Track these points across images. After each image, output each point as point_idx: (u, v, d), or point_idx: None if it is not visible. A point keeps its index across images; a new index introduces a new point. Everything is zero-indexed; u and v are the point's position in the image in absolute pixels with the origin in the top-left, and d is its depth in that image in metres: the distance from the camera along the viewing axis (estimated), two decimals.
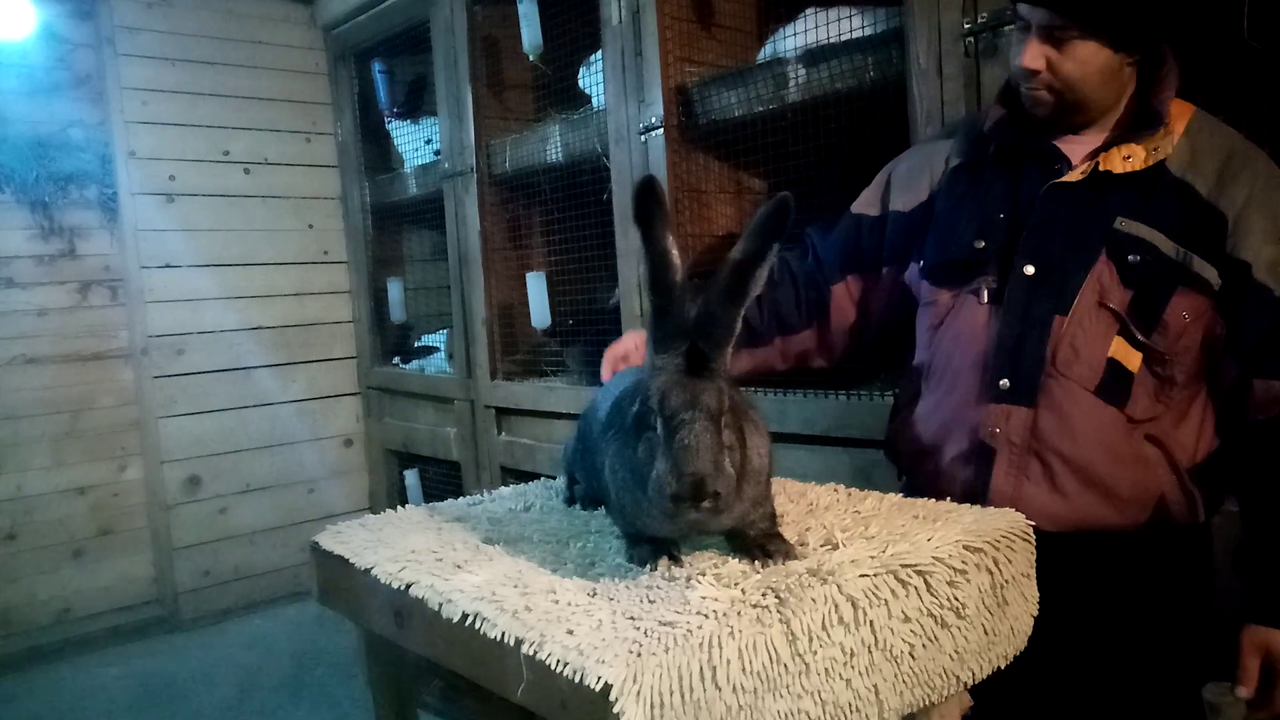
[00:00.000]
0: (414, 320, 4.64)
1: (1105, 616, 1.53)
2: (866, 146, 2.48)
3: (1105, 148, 1.53)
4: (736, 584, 1.09)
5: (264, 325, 4.42)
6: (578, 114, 3.34)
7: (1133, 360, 1.49)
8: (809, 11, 2.60)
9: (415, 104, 4.38)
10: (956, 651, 1.20)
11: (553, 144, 3.40)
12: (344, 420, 4.70)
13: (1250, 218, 1.45)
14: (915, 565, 1.16)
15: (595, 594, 1.09)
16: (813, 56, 2.54)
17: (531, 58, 3.40)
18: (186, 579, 4.24)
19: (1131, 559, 1.53)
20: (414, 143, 4.27)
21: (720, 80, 2.82)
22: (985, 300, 1.59)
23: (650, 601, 1.06)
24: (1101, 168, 1.52)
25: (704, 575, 1.13)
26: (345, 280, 4.69)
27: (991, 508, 1.38)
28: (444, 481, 4.27)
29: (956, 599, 1.19)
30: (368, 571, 1.31)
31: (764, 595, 1.05)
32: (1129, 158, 1.51)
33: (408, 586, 1.22)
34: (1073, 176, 1.54)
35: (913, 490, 1.60)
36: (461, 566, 1.24)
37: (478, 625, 1.06)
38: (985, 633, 1.23)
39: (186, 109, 4.21)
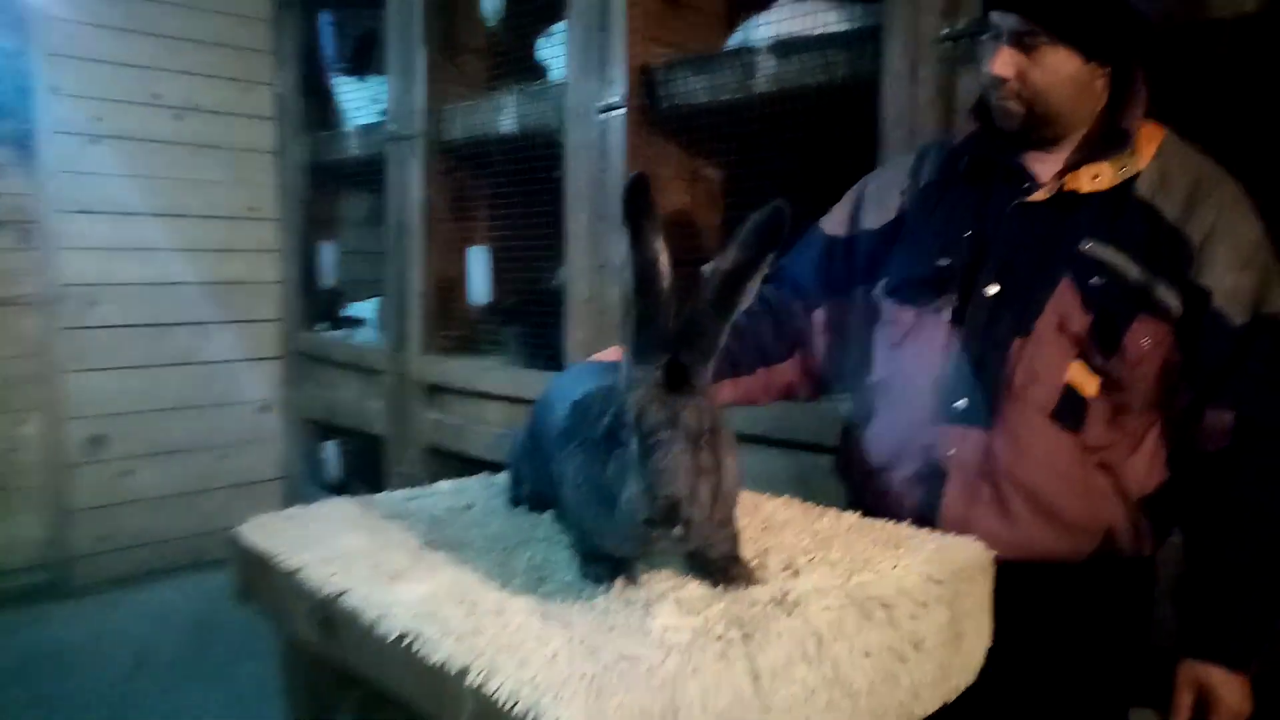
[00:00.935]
0: (344, 286, 4.47)
1: (1044, 647, 1.50)
2: (833, 145, 2.43)
3: (1073, 167, 1.51)
4: (699, 612, 1.02)
5: (185, 281, 4.19)
6: (535, 86, 3.22)
7: (1089, 386, 1.47)
8: (783, 1, 2.53)
9: (363, 60, 4.19)
10: (912, 686, 1.14)
11: (507, 114, 3.28)
12: (263, 385, 4.50)
13: (1214, 244, 1.43)
14: (879, 597, 1.10)
15: (548, 617, 1.01)
16: (784, 48, 2.47)
17: (490, 23, 3.26)
18: (83, 543, 4.02)
19: (1074, 590, 1.51)
20: (359, 101, 4.09)
21: (687, 63, 2.73)
22: (947, 320, 1.55)
23: (608, 629, 0.98)
24: (1068, 187, 1.49)
25: (664, 600, 1.05)
26: (274, 239, 4.48)
27: (952, 536, 1.33)
28: (365, 456, 4.13)
29: (917, 633, 1.14)
30: (294, 573, 1.20)
31: (728, 627, 0.98)
32: (1096, 177, 1.49)
33: (339, 595, 1.11)
34: (1039, 196, 1.51)
35: (860, 509, 1.56)
36: (400, 575, 1.14)
37: (418, 647, 0.97)
38: (940, 666, 1.18)
39: (115, 46, 3.95)
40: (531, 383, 3.18)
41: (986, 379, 1.48)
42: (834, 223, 1.76)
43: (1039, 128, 1.52)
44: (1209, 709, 1.40)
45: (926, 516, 1.48)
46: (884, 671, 1.09)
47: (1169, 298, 1.44)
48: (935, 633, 1.16)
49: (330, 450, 4.27)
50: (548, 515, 1.40)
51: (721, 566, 1.12)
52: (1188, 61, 1.79)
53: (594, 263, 2.94)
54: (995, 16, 1.47)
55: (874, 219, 1.69)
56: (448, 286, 3.71)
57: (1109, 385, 1.46)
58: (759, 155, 2.71)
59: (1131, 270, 1.44)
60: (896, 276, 1.62)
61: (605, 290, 2.91)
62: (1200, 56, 1.80)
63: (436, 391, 3.64)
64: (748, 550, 1.21)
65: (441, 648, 0.94)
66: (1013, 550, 1.37)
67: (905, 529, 1.36)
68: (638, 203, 1.02)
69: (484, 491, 1.56)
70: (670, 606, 1.03)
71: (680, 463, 0.94)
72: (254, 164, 4.39)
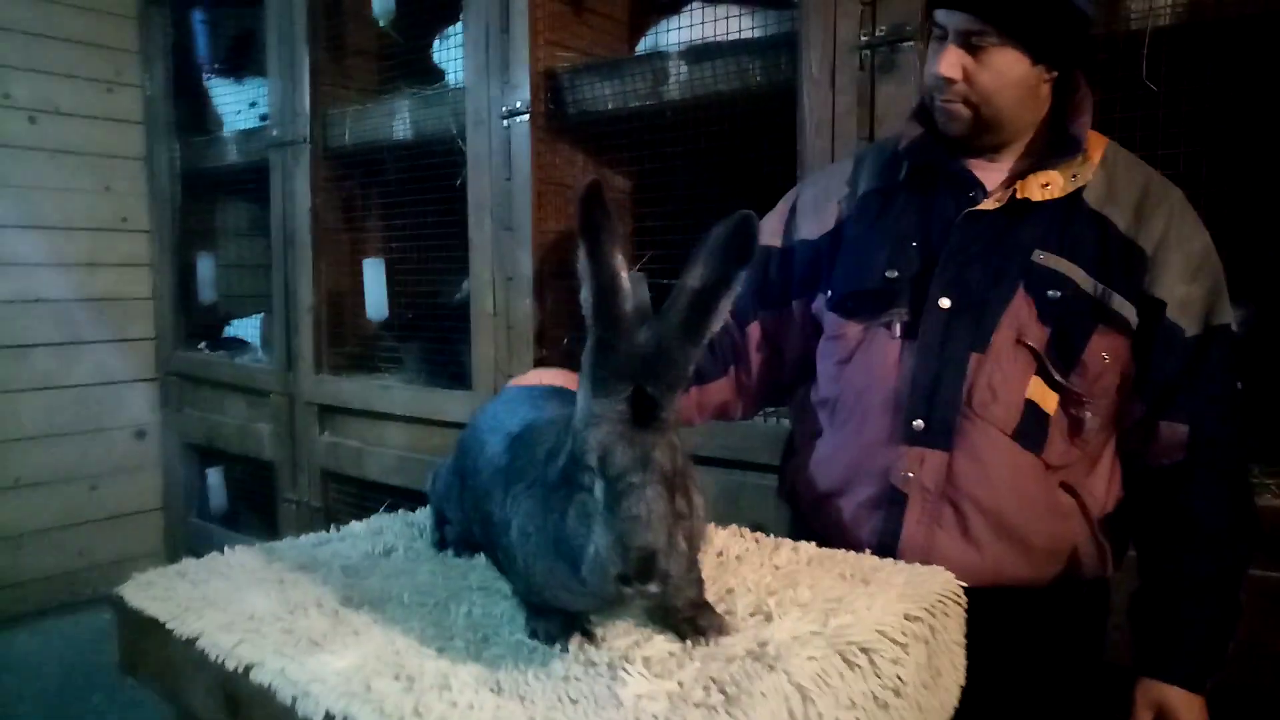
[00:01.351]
0: (225, 302, 4.19)
1: (1007, 675, 1.44)
2: (749, 153, 2.37)
3: (1021, 174, 1.46)
4: (671, 674, 0.91)
5: (46, 298, 3.84)
6: (431, 90, 3.06)
7: (1049, 402, 1.42)
8: (694, 5, 2.45)
9: (240, 61, 3.94)
10: None
11: (401, 120, 3.11)
12: (137, 409, 4.17)
13: (1166, 254, 1.41)
14: (860, 643, 1.01)
15: (500, 690, 0.88)
16: (697, 53, 2.39)
17: (381, 24, 3.09)
18: None
19: (1037, 616, 1.46)
20: (237, 104, 3.84)
21: (594, 68, 2.63)
22: (898, 334, 1.48)
23: (572, 701, 0.86)
24: (1019, 195, 1.44)
25: (629, 661, 0.94)
26: (146, 252, 4.17)
27: (921, 566, 1.26)
28: (252, 483, 3.87)
29: (899, 677, 1.06)
30: (191, 643, 1.04)
31: (707, 691, 0.88)
32: (1047, 185, 1.44)
33: (247, 669, 0.97)
34: (989, 204, 1.46)
35: (809, 535, 1.48)
36: (320, 642, 0.99)
37: None
38: (920, 709, 1.11)
39: None
40: (434, 402, 3.03)
41: (944, 397, 1.42)
42: (768, 233, 1.67)
43: (984, 133, 1.47)
44: None
45: (886, 543, 1.42)
46: None
47: (1125, 310, 1.40)
48: (914, 674, 1.09)
49: (214, 477, 3.99)
50: (480, 560, 1.27)
51: (688, 616, 1.01)
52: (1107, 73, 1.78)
53: (500, 275, 2.81)
54: (941, 15, 1.41)
55: (811, 229, 1.61)
56: (339, 301, 3.51)
57: (1068, 401, 1.42)
58: (670, 164, 2.63)
59: (1086, 282, 1.41)
60: (840, 290, 1.55)
61: (513, 303, 2.78)
62: (1119, 68, 1.79)
63: (330, 413, 3.43)
64: (709, 591, 1.11)
65: None
66: (977, 576, 1.31)
67: (869, 560, 1.28)
68: (593, 212, 0.91)
69: (403, 533, 1.42)
70: (638, 669, 0.92)
71: (655, 510, 0.83)
72: (122, 171, 4.07)
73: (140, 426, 4.18)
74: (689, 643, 0.99)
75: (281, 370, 3.56)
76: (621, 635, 1.02)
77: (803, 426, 1.64)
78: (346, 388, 3.34)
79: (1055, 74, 1.45)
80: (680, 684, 0.89)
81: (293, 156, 3.43)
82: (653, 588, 0.82)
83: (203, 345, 4.07)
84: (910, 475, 1.42)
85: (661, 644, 0.99)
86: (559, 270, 2.79)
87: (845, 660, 0.99)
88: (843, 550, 1.33)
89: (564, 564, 0.90)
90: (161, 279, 4.16)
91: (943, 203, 1.51)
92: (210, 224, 4.22)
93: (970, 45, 1.39)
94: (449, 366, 3.10)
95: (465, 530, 1.29)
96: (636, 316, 0.90)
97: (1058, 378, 1.41)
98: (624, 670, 0.91)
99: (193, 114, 4.09)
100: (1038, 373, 1.41)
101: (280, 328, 3.55)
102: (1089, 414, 1.42)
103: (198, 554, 1.29)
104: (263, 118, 3.67)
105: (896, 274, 1.49)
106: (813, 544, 1.36)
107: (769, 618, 1.06)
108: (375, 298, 3.25)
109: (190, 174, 4.08)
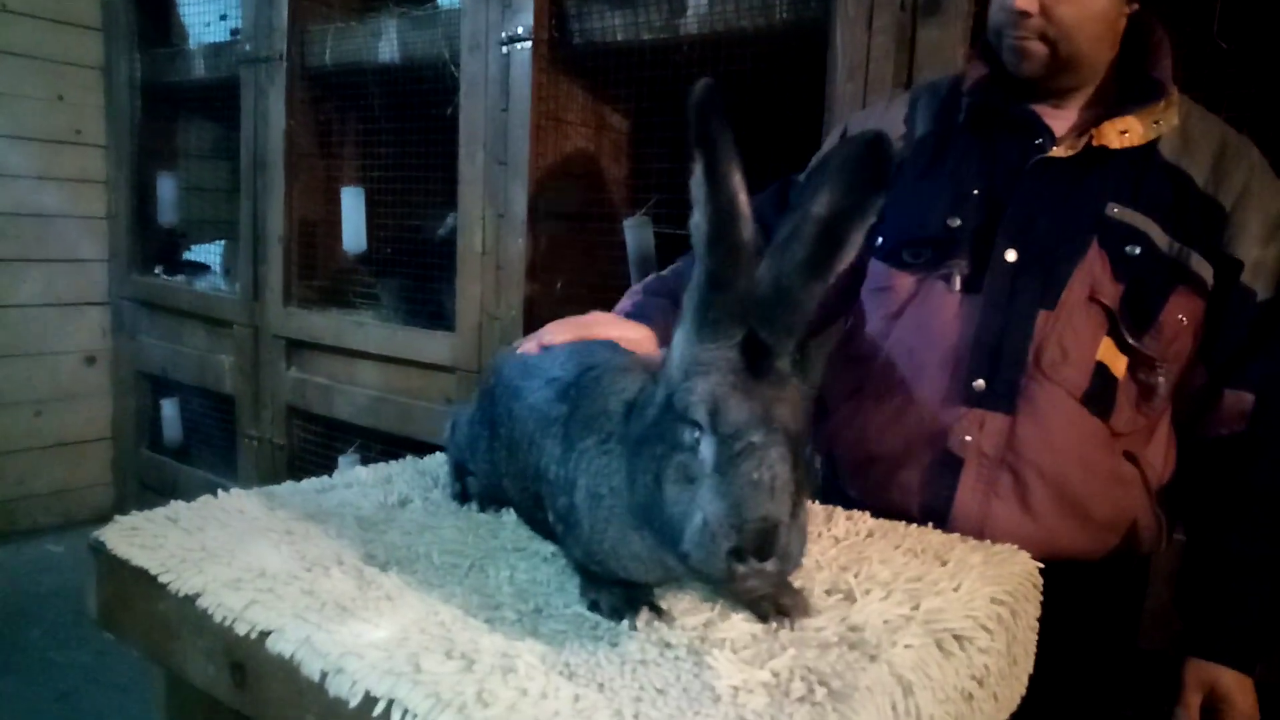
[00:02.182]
0: (184, 226, 3.95)
1: (1058, 653, 1.37)
2: (772, 95, 2.23)
3: (1095, 121, 1.35)
4: (762, 662, 0.80)
5: None
6: (422, 10, 2.86)
7: (1119, 365, 1.33)
8: None
9: None
10: None
11: (387, 40, 2.91)
12: (87, 334, 3.94)
13: (1245, 213, 1.33)
14: (955, 629, 0.92)
15: (572, 673, 0.76)
16: None
17: None
18: None
19: (1091, 590, 1.38)
20: (205, 16, 3.59)
21: None
22: (957, 288, 1.37)
23: (659, 691, 0.74)
24: (1096, 142, 1.34)
25: (707, 643, 0.82)
26: (101, 168, 3.90)
27: (995, 544, 1.17)
28: (210, 416, 3.69)
29: (986, 666, 0.96)
30: (190, 600, 0.91)
31: (807, 684, 0.77)
32: (1125, 132, 1.34)
33: (263, 635, 0.83)
34: (1060, 151, 1.36)
35: (845, 500, 1.38)
36: (349, 609, 0.86)
37: (397, 717, 0.71)
38: (995, 700, 1.02)
39: None
40: (412, 341, 2.87)
41: (1009, 356, 1.32)
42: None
43: (1059, 73, 1.36)
44: (1219, 713, 1.30)
45: (936, 510, 1.33)
46: (954, 718, 0.90)
47: (1203, 270, 1.32)
48: (995, 662, 0.99)
49: (169, 408, 3.78)
50: (508, 517, 1.15)
51: (767, 593, 0.90)
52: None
53: (492, 210, 2.65)
54: None
55: None
56: (311, 231, 3.31)
57: (1137, 364, 1.33)
58: (677, 103, 2.47)
59: (1161, 239, 1.32)
60: (894, 237, 1.43)
61: (504, 241, 2.63)
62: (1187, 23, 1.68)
63: (298, 347, 3.26)
64: None
65: None
66: (1034, 549, 1.22)
67: (934, 535, 1.19)
68: (710, 121, 0.77)
69: (416, 481, 1.29)
70: (726, 655, 0.80)
71: (779, 474, 0.71)
72: (76, 80, 3.80)
73: (90, 352, 3.95)
74: (773, 624, 0.88)
75: (247, 300, 3.36)
76: (691, 612, 0.90)
77: (839, 384, 1.53)
78: (317, 322, 3.16)
79: (1135, 7, 1.35)
80: (775, 674, 0.78)
81: (266, 74, 3.21)
82: (770, 566, 0.70)
83: (159, 269, 3.84)
84: (968, 439, 1.33)
85: (741, 625, 0.88)
86: (553, 209, 2.64)
87: (941, 649, 0.89)
88: (901, 522, 1.23)
89: (649, 533, 0.78)
90: (117, 197, 3.91)
91: (1006, 149, 1.40)
92: (171, 143, 3.96)
93: None
94: (428, 305, 2.94)
95: (492, 484, 1.16)
96: (752, 249, 0.77)
97: (1130, 340, 1.31)
98: (708, 655, 0.80)
99: (155, 23, 3.81)
100: (1109, 333, 1.32)
101: (247, 256, 3.35)
102: (1160, 379, 1.34)
103: (149, 487, 1.15)
104: (234, 32, 3.42)
105: (959, 222, 1.38)
106: (867, 514, 1.26)
107: (849, 597, 0.95)
108: (353, 229, 3.06)
109: (151, 87, 3.81)
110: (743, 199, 0.77)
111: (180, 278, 3.77)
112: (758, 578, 0.70)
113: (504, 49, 2.58)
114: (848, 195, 0.77)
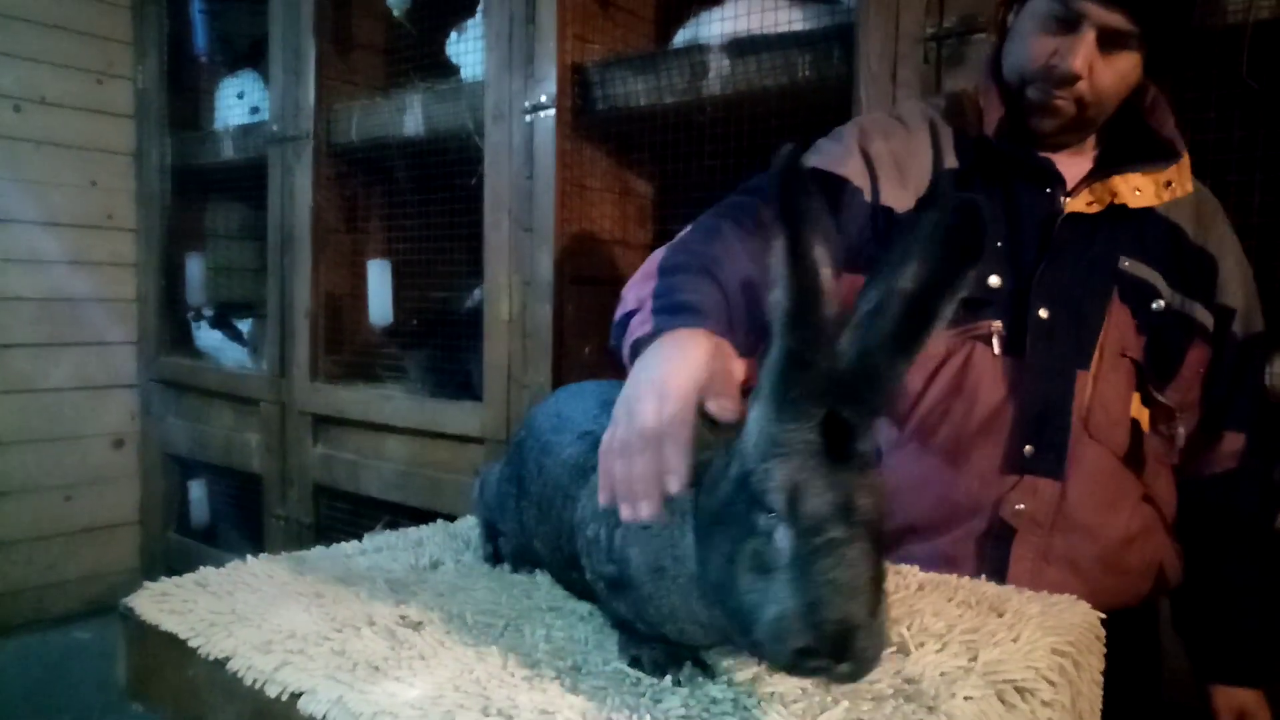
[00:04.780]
0: (212, 306, 3.99)
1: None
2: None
3: (1103, 175, 1.34)
4: (814, 717, 0.75)
5: (25, 296, 3.62)
6: (446, 84, 2.91)
7: (1143, 419, 1.33)
8: None
9: (239, 55, 3.78)
10: None
11: (412, 115, 2.95)
12: (116, 417, 3.94)
13: (1227, 261, 1.38)
14: (1017, 681, 0.86)
15: None
16: (740, 46, 2.26)
17: (396, 13, 2.95)
18: None
19: (1128, 636, 1.33)
20: (233, 99, 3.68)
21: (627, 62, 2.49)
22: (997, 350, 1.33)
23: None
24: (1117, 201, 1.33)
25: (755, 698, 0.78)
26: (131, 252, 3.96)
27: (1052, 594, 1.12)
28: (238, 497, 3.66)
29: (1050, 719, 0.90)
30: (220, 664, 0.87)
31: None
32: (1138, 191, 1.34)
33: (294, 696, 0.80)
34: (1081, 205, 1.33)
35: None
36: (381, 668, 0.82)
37: None
38: None
39: None
40: (439, 412, 2.85)
41: (1055, 420, 1.28)
42: (853, 170, 1.39)
43: (1074, 130, 1.36)
44: None
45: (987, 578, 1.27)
46: None
47: (1206, 319, 1.35)
48: (1060, 716, 0.93)
49: (196, 490, 3.77)
50: (542, 578, 1.11)
51: None
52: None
53: (519, 278, 2.65)
54: (1086, 7, 1.25)
55: (895, 195, 1.37)
56: (338, 305, 3.33)
57: (1158, 417, 1.34)
58: (702, 164, 2.48)
59: (1165, 291, 1.33)
60: None
61: (531, 309, 2.62)
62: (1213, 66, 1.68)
63: (325, 423, 3.24)
64: None
65: None
66: None
67: (988, 586, 1.14)
68: (795, 192, 0.73)
69: (446, 543, 1.25)
70: (775, 709, 0.75)
71: (860, 573, 0.67)
72: (109, 166, 3.87)
73: (119, 435, 3.96)
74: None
75: (273, 378, 3.37)
76: (738, 667, 0.86)
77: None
78: (344, 396, 3.16)
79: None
80: None
81: (294, 153, 3.26)
82: (844, 669, 0.66)
83: (201, 322, 3.82)
84: (1022, 507, 1.28)
85: (790, 679, 0.83)
86: (579, 274, 2.64)
87: (1003, 700, 0.84)
88: (953, 574, 1.18)
89: (720, 611, 0.74)
90: (146, 280, 3.95)
91: (1025, 198, 1.37)
92: (200, 224, 4.02)
93: (1107, 43, 1.26)
94: (456, 377, 2.92)
95: (522, 544, 1.12)
96: (836, 326, 0.73)
97: (1154, 393, 1.31)
98: (759, 712, 0.75)
99: (186, 108, 3.91)
100: (1136, 388, 1.32)
101: (274, 333, 3.36)
102: (1180, 429, 1.36)
103: (177, 571, 1.12)
104: (253, 110, 3.50)
105: (999, 281, 1.34)
106: (916, 568, 1.21)
107: (904, 649, 0.90)
108: (379, 302, 3.08)
109: (181, 170, 3.89)
110: (826, 274, 0.73)
111: (217, 334, 3.74)
112: (829, 676, 0.66)
113: (528, 118, 2.61)
114: (939, 268, 0.73)
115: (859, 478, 0.71)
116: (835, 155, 1.40)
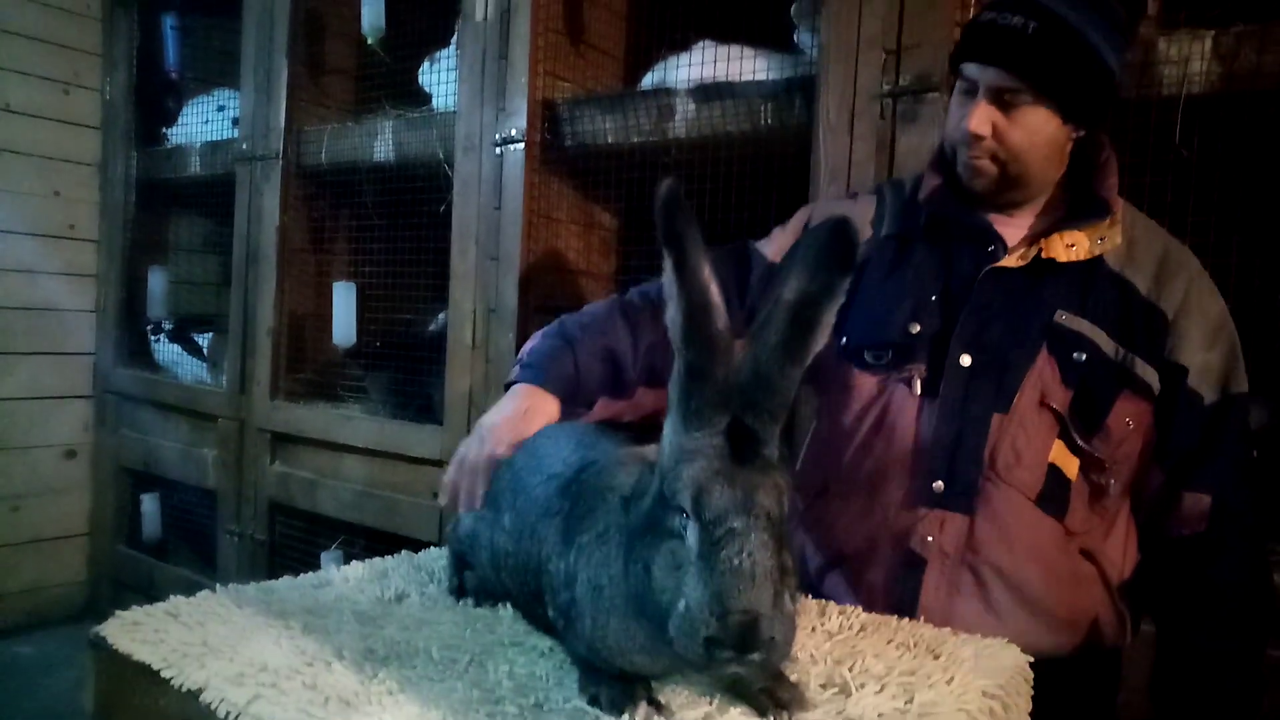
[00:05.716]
0: (173, 320, 3.97)
1: None
2: (756, 195, 2.31)
3: (1045, 232, 1.43)
4: None
5: None
6: (417, 112, 2.96)
7: (1071, 467, 1.38)
8: (703, 44, 2.40)
9: (209, 71, 3.79)
10: None
11: (382, 141, 2.99)
12: (69, 428, 3.91)
13: (1187, 320, 1.39)
14: None
15: None
16: (706, 92, 2.34)
17: (370, 40, 2.98)
18: None
19: (1054, 687, 1.39)
20: (203, 114, 3.68)
21: (596, 100, 2.56)
22: (918, 391, 1.42)
23: None
24: (1044, 255, 1.41)
25: None
26: (93, 262, 3.95)
27: (986, 638, 1.19)
28: (191, 511, 3.64)
29: None
30: (193, 696, 0.91)
31: None
32: (1072, 246, 1.41)
33: None
34: (1011, 261, 1.43)
35: (816, 596, 1.40)
36: (351, 703, 0.87)
37: None
38: None
39: None
40: (400, 435, 2.88)
41: (966, 458, 1.37)
42: (777, 249, 1.60)
43: (1008, 189, 1.45)
44: None
45: (901, 609, 1.35)
46: None
47: (1148, 375, 1.38)
48: None
49: (149, 504, 3.74)
50: (506, 612, 1.16)
51: (764, 687, 0.91)
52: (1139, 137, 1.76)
53: (483, 305, 2.69)
54: (972, 70, 1.38)
55: None
56: (300, 325, 3.34)
57: (1089, 466, 1.38)
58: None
59: (1108, 345, 1.38)
60: (858, 339, 1.48)
61: (494, 336, 2.67)
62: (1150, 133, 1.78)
63: (284, 441, 3.25)
64: None
65: None
66: None
67: (925, 629, 1.20)
68: (676, 217, 0.81)
69: (413, 577, 1.29)
70: None
71: (760, 563, 0.73)
72: (73, 176, 3.86)
73: (71, 446, 3.93)
74: (770, 718, 0.89)
75: (233, 394, 3.37)
76: (689, 705, 0.91)
77: (806, 483, 1.54)
78: (304, 415, 3.17)
79: (1081, 133, 1.44)
80: None
81: (262, 172, 3.28)
82: (754, 657, 0.72)
83: (160, 335, 3.81)
84: (930, 539, 1.36)
85: (739, 719, 0.89)
86: (543, 303, 2.69)
87: None
88: (893, 616, 1.25)
89: (646, 622, 0.80)
90: (106, 291, 3.94)
91: (962, 256, 1.47)
92: (163, 237, 4.01)
93: (1002, 102, 1.36)
94: (417, 399, 2.95)
95: (489, 578, 1.17)
96: (728, 338, 0.81)
97: (1080, 442, 1.37)
98: None
99: (153, 122, 3.90)
100: (1060, 436, 1.37)
101: (236, 349, 3.37)
102: (1111, 480, 1.39)
103: (125, 585, 1.15)
104: (235, 121, 3.51)
105: (919, 328, 1.44)
106: (859, 608, 1.27)
107: (845, 691, 0.96)
108: (343, 323, 3.10)
109: (146, 184, 3.88)
110: (714, 291, 0.81)
111: (175, 347, 3.73)
112: (743, 666, 0.72)
113: (498, 150, 2.66)
114: (815, 278, 0.81)
115: (761, 477, 0.78)
116: (772, 237, 1.63)
